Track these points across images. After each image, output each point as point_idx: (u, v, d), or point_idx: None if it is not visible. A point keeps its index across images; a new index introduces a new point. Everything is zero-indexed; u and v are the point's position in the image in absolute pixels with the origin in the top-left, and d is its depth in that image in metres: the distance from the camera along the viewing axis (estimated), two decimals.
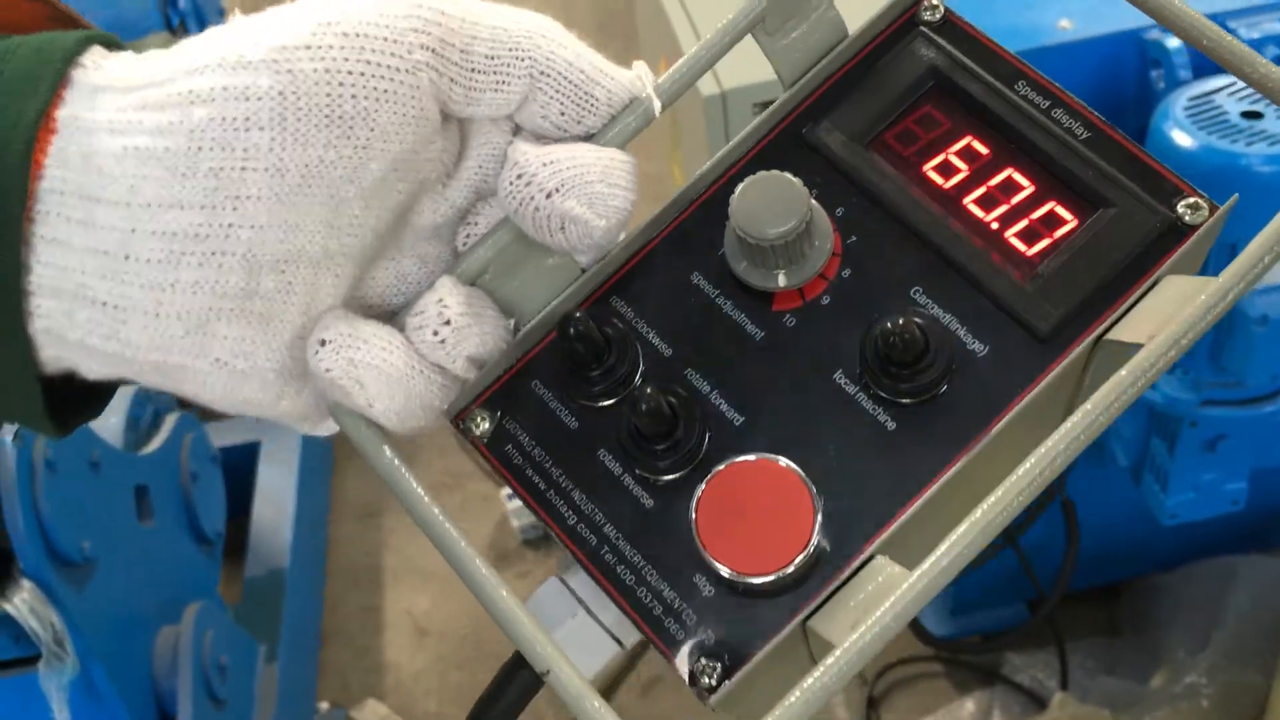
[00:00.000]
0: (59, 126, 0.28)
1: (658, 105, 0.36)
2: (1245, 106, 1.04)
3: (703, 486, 0.34)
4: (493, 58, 0.32)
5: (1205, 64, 1.14)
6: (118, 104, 0.28)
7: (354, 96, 0.29)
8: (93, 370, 0.30)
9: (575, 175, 0.34)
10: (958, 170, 0.37)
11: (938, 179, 0.37)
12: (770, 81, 1.24)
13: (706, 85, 1.25)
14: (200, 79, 0.28)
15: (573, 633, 0.35)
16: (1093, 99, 1.24)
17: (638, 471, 0.35)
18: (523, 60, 0.33)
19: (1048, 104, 0.37)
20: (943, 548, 0.30)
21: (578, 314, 0.35)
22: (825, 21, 0.39)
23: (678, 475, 0.35)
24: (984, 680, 1.63)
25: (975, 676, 1.63)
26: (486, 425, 0.37)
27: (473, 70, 0.32)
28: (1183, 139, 1.03)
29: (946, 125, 0.38)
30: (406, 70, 0.30)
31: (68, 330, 0.29)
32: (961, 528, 0.30)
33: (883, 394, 0.34)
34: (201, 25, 2.12)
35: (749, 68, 1.26)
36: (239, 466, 1.79)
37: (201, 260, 0.29)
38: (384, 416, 0.34)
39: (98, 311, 0.29)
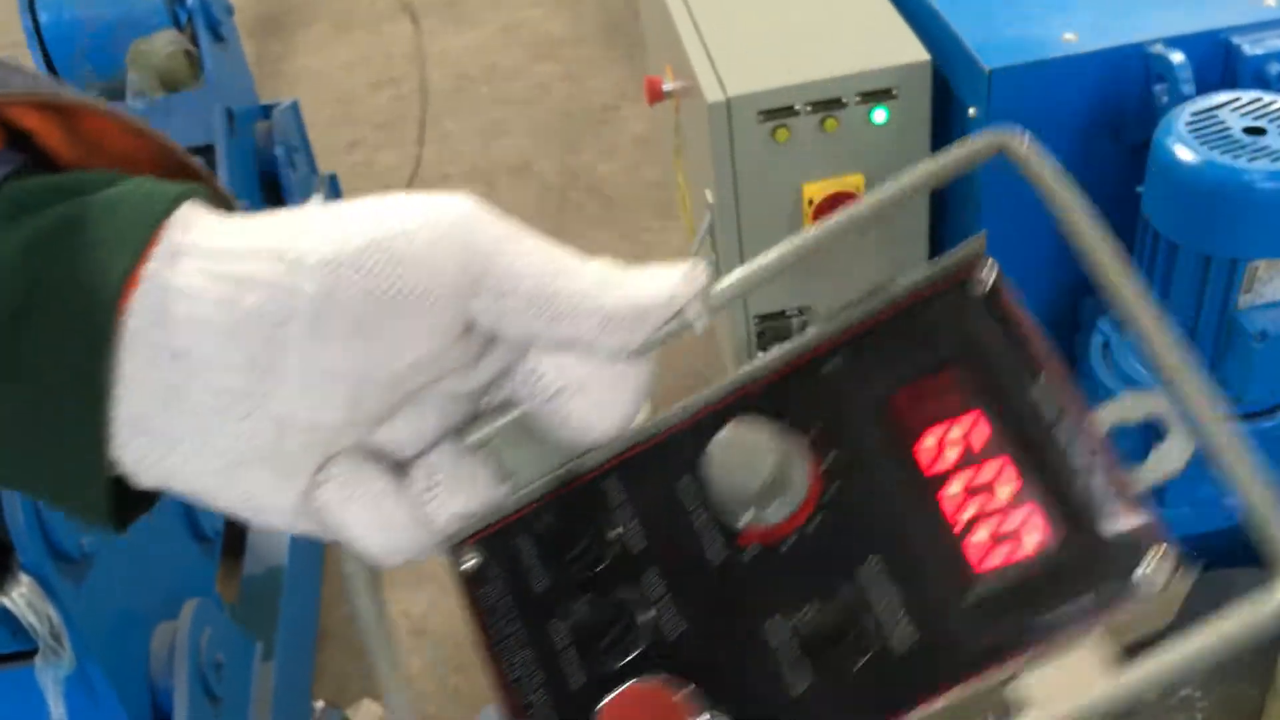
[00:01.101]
0: (141, 282, 0.32)
1: (701, 325, 0.37)
2: (1248, 122, 1.04)
3: (618, 692, 0.36)
4: (527, 310, 0.35)
5: (1209, 79, 1.15)
6: (193, 268, 0.32)
7: (387, 313, 0.33)
8: (142, 483, 0.35)
9: (580, 382, 0.36)
10: (950, 454, 0.36)
11: (928, 456, 0.36)
12: (777, 89, 1.24)
13: (711, 92, 1.26)
14: (261, 265, 0.33)
15: None
16: (1095, 112, 1.24)
17: (576, 652, 0.37)
18: (550, 322, 0.35)
19: (1054, 416, 0.36)
20: None
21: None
22: (870, 266, 0.40)
23: (604, 669, 0.37)
24: None
25: None
26: (474, 563, 0.39)
27: (502, 315, 0.35)
28: (1185, 154, 1.03)
29: (955, 403, 0.37)
30: (441, 298, 0.34)
31: (125, 453, 0.33)
32: None
33: (802, 656, 0.35)
34: (209, 22, 2.13)
35: (754, 75, 1.26)
36: None
37: (241, 415, 0.33)
38: (366, 552, 0.37)
39: (151, 439, 0.33)
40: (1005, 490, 0.35)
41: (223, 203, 0.36)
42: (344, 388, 0.34)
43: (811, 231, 0.39)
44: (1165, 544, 0.33)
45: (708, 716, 0.35)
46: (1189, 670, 0.31)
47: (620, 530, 0.39)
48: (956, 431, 0.36)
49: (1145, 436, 0.38)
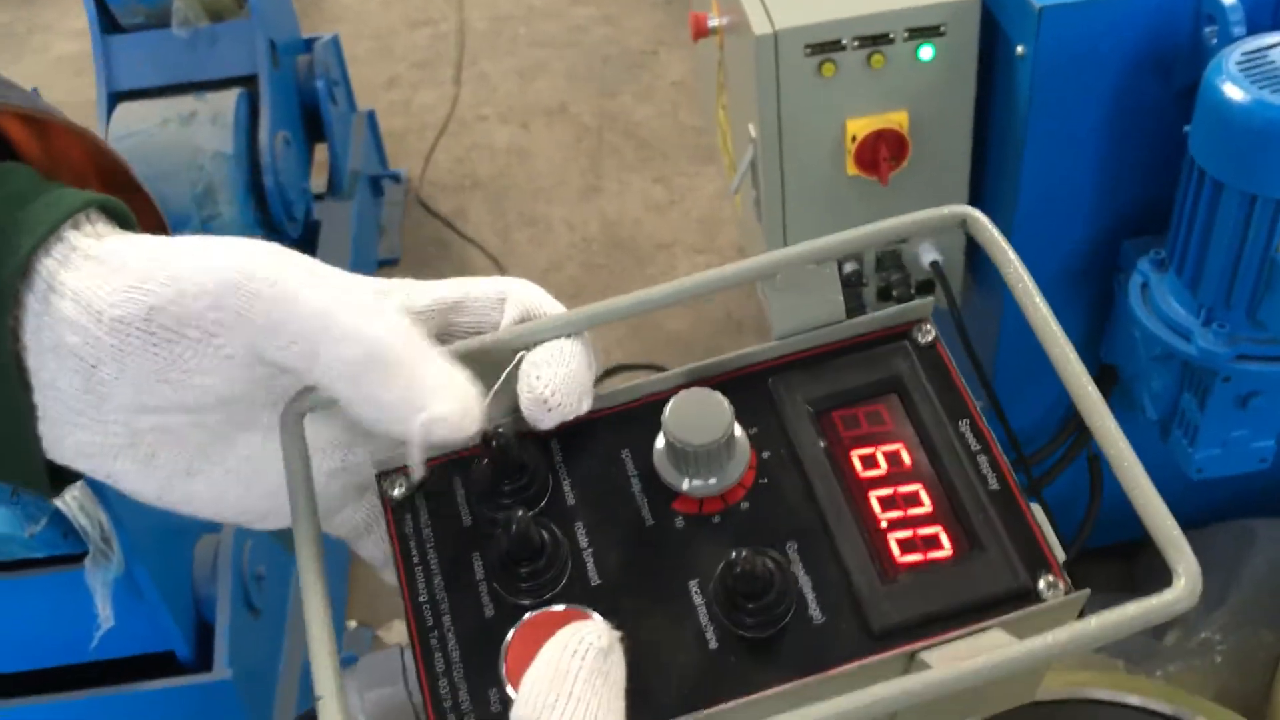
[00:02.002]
0: (35, 273, 0.38)
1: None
2: None
3: (529, 616, 0.38)
4: (292, 345, 0.38)
5: (1260, 21, 1.15)
6: (65, 286, 0.38)
7: (173, 363, 0.38)
8: (54, 459, 0.40)
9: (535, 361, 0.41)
10: (877, 466, 0.41)
11: (858, 465, 0.41)
12: (824, 23, 1.25)
13: (759, 25, 1.26)
14: (80, 312, 0.38)
15: (384, 698, 0.40)
16: (1144, 53, 1.24)
17: (493, 584, 0.39)
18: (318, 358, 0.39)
19: (978, 449, 0.40)
20: None
21: (502, 430, 0.40)
22: (827, 300, 0.44)
23: (520, 601, 0.39)
24: None
25: None
26: (400, 492, 0.42)
27: (286, 360, 0.39)
28: (1235, 93, 1.04)
29: (888, 427, 0.42)
30: (222, 349, 0.38)
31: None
32: None
33: (719, 614, 0.38)
34: None
35: (801, 8, 1.27)
36: None
37: (91, 419, 0.39)
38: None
39: (47, 424, 0.39)
40: (921, 510, 0.40)
41: (154, 222, 0.43)
42: (161, 415, 0.39)
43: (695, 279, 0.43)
44: (1057, 568, 0.38)
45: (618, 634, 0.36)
46: (1079, 649, 0.34)
47: (555, 484, 0.41)
48: (885, 450, 0.41)
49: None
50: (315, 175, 2.22)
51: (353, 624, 1.77)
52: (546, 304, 0.43)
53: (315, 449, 0.42)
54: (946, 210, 0.43)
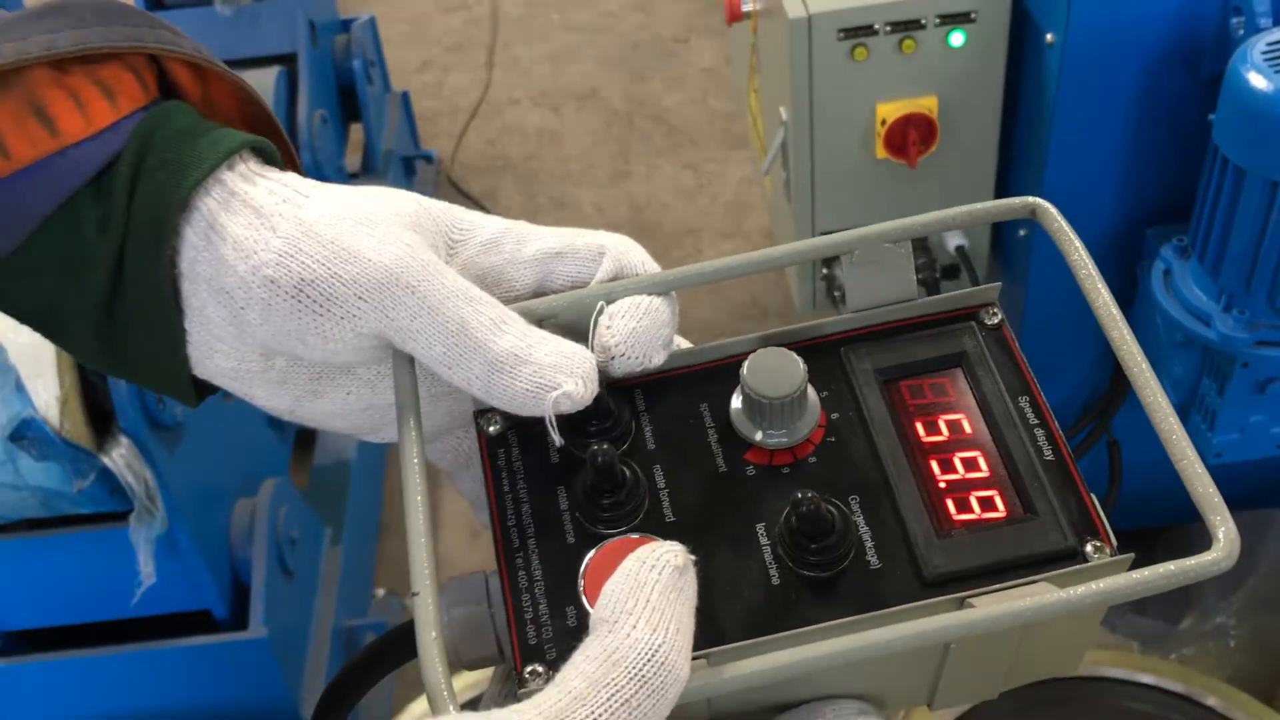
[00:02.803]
0: (194, 209, 0.42)
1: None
2: None
3: (607, 543, 0.41)
4: (427, 349, 0.42)
5: None
6: (226, 220, 0.42)
7: (309, 328, 0.42)
8: (199, 374, 0.45)
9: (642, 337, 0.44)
10: (939, 433, 0.44)
11: (921, 430, 0.43)
12: (858, 7, 1.27)
13: (793, 8, 1.29)
14: (239, 256, 0.42)
15: (468, 615, 0.43)
16: (1172, 44, 1.26)
17: (576, 514, 0.42)
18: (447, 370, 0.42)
19: (1036, 423, 0.43)
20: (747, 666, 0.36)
21: (606, 393, 0.43)
22: (901, 279, 0.47)
23: (599, 530, 0.42)
24: None
25: None
26: (496, 429, 0.45)
27: (409, 348, 0.42)
28: (1259, 82, 1.06)
29: (951, 398, 0.44)
30: (356, 327, 0.42)
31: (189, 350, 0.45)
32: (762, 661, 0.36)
33: (782, 554, 0.40)
34: None
35: None
36: None
37: (231, 347, 0.44)
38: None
39: (193, 344, 0.44)
40: (978, 474, 0.42)
41: (290, 161, 0.46)
42: (292, 357, 0.43)
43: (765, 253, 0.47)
44: (1105, 534, 0.40)
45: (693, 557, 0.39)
46: (1119, 599, 0.37)
47: (637, 429, 0.45)
48: (947, 419, 0.44)
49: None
50: (350, 154, 2.25)
51: (381, 592, 1.81)
52: (639, 263, 0.46)
53: (422, 374, 0.45)
54: (1018, 201, 0.46)
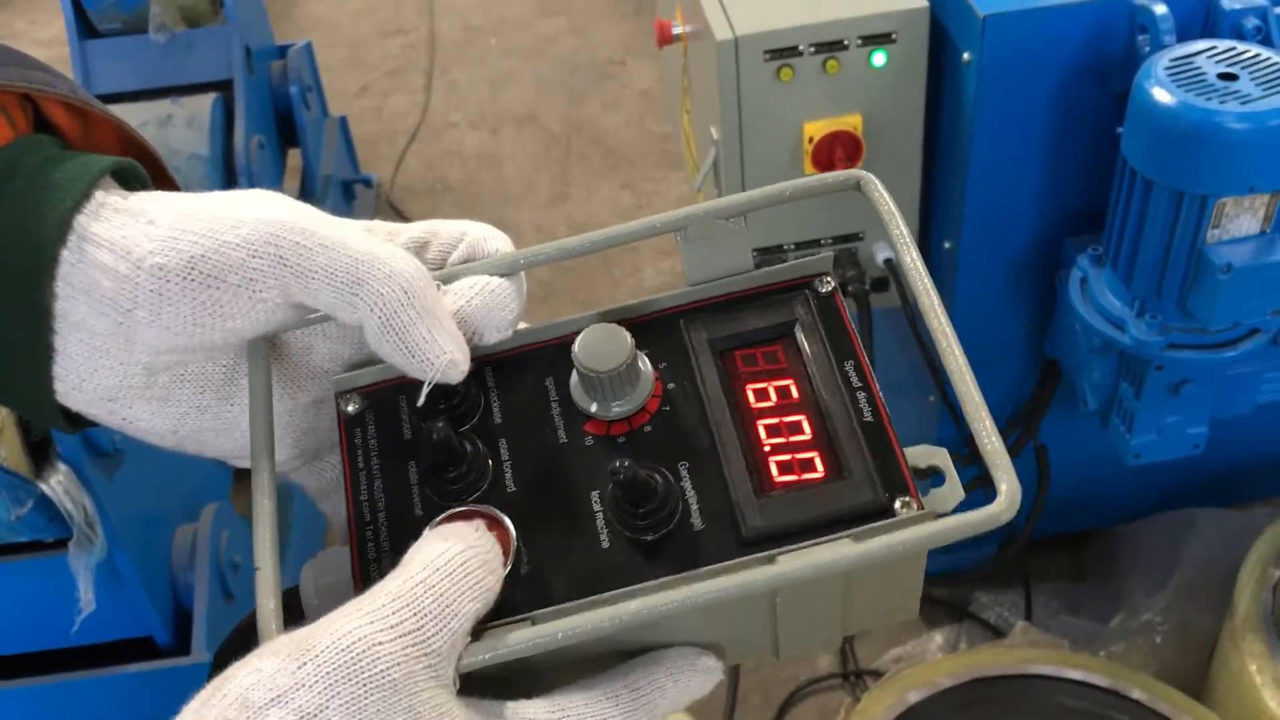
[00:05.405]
0: (73, 230, 0.42)
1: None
2: (1222, 69, 1.11)
3: (452, 511, 0.44)
4: (335, 287, 0.42)
5: (1189, 32, 1.22)
6: (100, 232, 0.42)
7: (206, 307, 0.42)
8: (70, 406, 0.44)
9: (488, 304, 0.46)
10: (769, 399, 0.46)
11: (751, 397, 0.46)
12: (782, 29, 1.31)
13: (720, 31, 1.32)
14: (118, 258, 0.41)
15: (334, 585, 0.45)
16: (1083, 60, 1.30)
17: (424, 489, 0.45)
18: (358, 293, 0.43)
19: (859, 385, 0.45)
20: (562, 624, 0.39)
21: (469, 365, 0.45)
22: (736, 253, 0.49)
23: (445, 503, 0.45)
24: (953, 616, 1.71)
25: (945, 612, 1.72)
26: (355, 409, 0.47)
27: (314, 291, 0.43)
28: (1163, 96, 1.10)
29: (782, 364, 0.47)
30: (255, 293, 0.42)
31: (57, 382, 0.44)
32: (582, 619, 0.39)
33: (612, 519, 0.43)
34: None
35: (761, 16, 1.33)
36: None
37: (116, 363, 0.43)
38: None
39: (65, 370, 0.43)
40: (802, 436, 0.45)
41: (170, 188, 0.46)
42: (183, 354, 0.43)
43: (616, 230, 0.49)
44: (914, 491, 0.42)
45: (514, 534, 0.42)
46: (910, 552, 0.39)
47: (485, 405, 0.47)
48: (776, 385, 0.46)
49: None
50: (288, 179, 2.26)
51: None
52: (493, 248, 0.48)
53: (305, 378, 0.47)
54: (845, 174, 0.48)
